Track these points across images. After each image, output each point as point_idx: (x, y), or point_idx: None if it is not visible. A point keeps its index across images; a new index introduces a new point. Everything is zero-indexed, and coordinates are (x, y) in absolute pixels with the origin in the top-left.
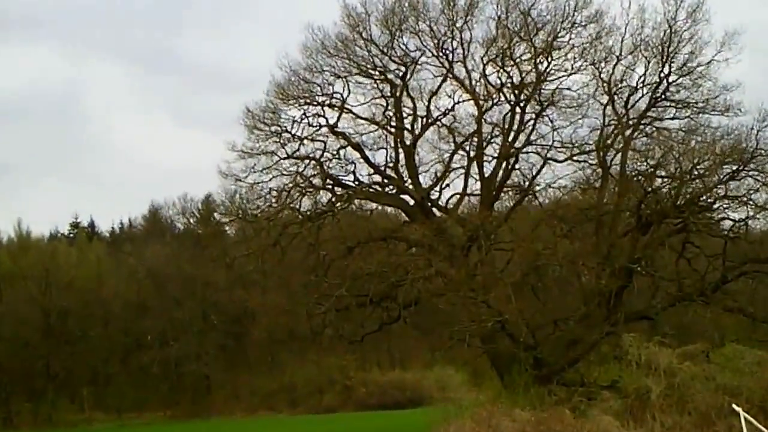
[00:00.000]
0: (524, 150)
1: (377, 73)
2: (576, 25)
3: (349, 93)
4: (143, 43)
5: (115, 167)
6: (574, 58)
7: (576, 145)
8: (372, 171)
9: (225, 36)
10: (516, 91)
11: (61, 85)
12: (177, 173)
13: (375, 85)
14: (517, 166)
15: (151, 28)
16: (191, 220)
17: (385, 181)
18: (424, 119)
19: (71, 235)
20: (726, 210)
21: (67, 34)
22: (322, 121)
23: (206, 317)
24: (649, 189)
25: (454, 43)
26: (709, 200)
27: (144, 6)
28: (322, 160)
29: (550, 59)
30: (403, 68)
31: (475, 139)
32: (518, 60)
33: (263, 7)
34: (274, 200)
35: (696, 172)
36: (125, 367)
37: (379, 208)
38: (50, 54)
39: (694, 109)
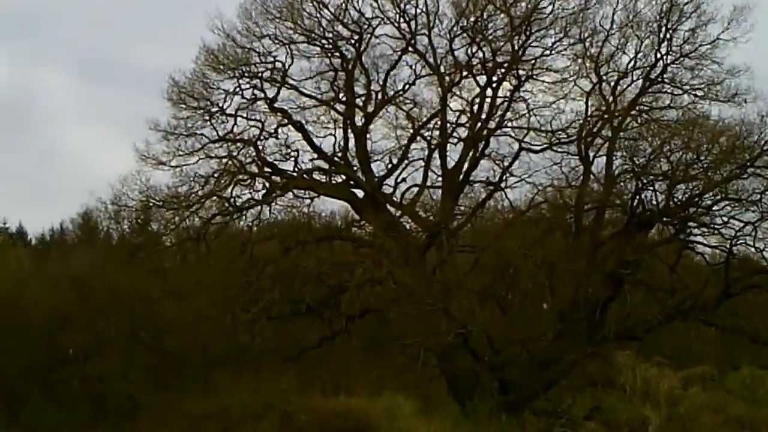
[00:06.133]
0: (496, 133)
1: (327, 41)
2: None
3: (292, 62)
4: (88, 51)
5: (59, 174)
6: (556, 33)
7: (555, 131)
8: (316, 156)
9: (177, 42)
10: (488, 69)
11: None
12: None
13: (323, 55)
14: (487, 152)
15: (96, 37)
16: (125, 227)
17: (331, 168)
18: (379, 96)
19: None
20: (730, 213)
21: (11, 41)
22: (260, 94)
23: (135, 332)
24: (642, 184)
25: (418, 10)
26: (710, 201)
27: (93, 14)
28: (257, 142)
29: (528, 33)
30: (357, 36)
31: (438, 123)
32: (492, 35)
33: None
34: (199, 187)
35: (695, 169)
36: (45, 383)
37: (323, 200)
38: None
39: (694, 95)
